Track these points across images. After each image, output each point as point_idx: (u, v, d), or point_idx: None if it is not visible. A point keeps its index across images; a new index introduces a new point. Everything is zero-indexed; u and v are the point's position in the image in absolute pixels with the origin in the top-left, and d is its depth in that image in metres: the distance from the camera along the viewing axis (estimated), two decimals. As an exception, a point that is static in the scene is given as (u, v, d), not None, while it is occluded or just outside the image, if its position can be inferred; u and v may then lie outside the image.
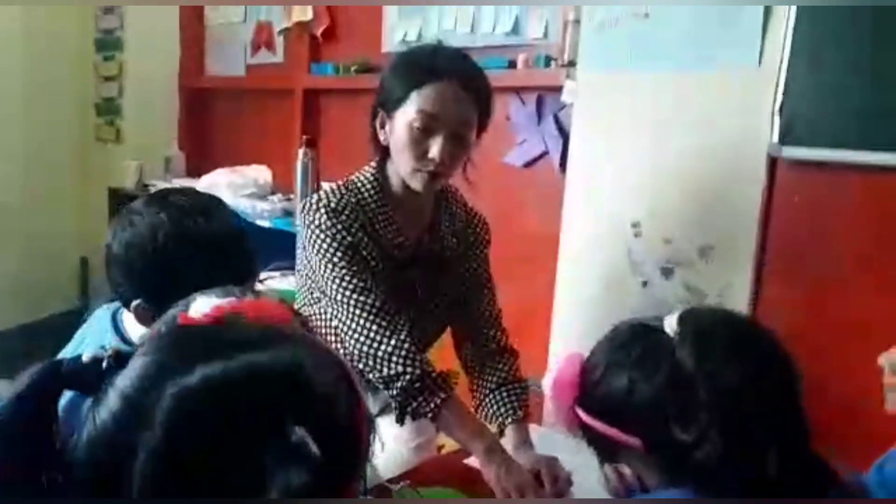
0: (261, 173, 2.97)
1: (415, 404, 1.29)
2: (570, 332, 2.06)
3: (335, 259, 1.35)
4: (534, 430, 1.46)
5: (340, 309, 1.34)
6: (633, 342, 0.84)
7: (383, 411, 1.48)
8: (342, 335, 1.34)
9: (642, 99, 1.87)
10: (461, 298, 1.53)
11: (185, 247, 1.02)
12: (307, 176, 2.65)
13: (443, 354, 1.63)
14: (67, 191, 3.59)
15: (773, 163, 1.69)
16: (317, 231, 1.36)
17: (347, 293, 1.34)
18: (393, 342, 1.30)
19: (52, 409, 0.54)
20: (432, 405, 1.28)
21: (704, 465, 0.75)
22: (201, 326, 0.56)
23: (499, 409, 1.43)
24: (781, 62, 1.62)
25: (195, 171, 3.35)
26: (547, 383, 0.91)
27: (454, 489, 1.25)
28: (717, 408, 0.75)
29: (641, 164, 1.88)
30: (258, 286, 2.68)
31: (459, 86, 1.31)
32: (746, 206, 1.72)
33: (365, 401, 0.60)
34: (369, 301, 1.33)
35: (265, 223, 2.71)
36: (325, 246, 1.35)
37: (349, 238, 1.35)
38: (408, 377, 1.28)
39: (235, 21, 3.34)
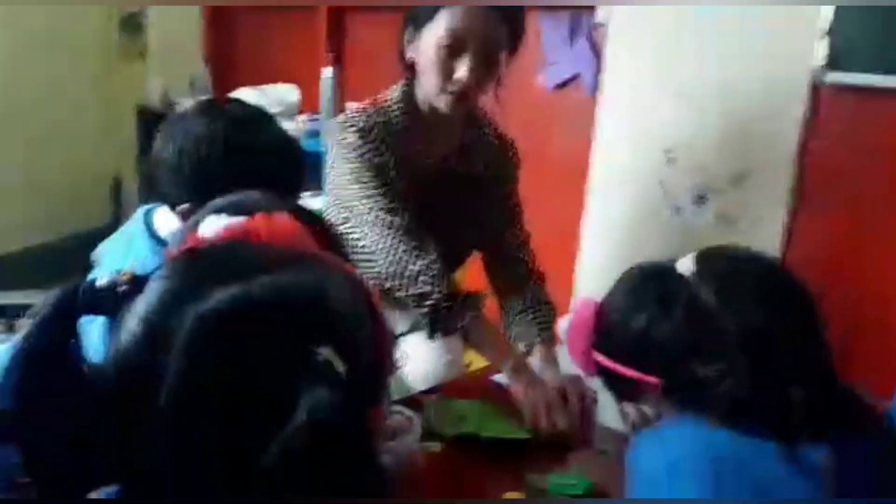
0: (287, 92, 2.93)
1: (444, 322, 1.31)
2: (597, 259, 2.06)
3: (364, 178, 1.35)
4: (561, 350, 1.48)
5: (370, 228, 1.34)
6: (648, 282, 0.85)
7: (413, 329, 1.50)
8: (372, 254, 1.35)
9: (682, 20, 1.81)
10: (490, 221, 1.53)
11: (238, 155, 1.03)
12: (333, 95, 2.62)
13: (471, 274, 1.65)
14: (94, 108, 3.57)
15: (815, 89, 1.64)
16: (345, 150, 1.36)
17: (377, 213, 1.34)
18: (422, 262, 1.31)
19: (72, 333, 0.54)
20: (461, 323, 1.30)
21: (726, 399, 0.76)
22: (216, 247, 0.55)
23: (527, 329, 1.45)
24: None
25: (220, 89, 3.32)
26: (562, 328, 0.93)
27: (484, 402, 1.28)
28: (739, 342, 0.75)
29: (678, 88, 1.84)
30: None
31: (490, 5, 1.28)
32: (785, 134, 1.68)
33: (385, 318, 0.58)
34: (398, 221, 1.33)
35: (291, 143, 2.70)
36: (353, 165, 1.35)
37: (377, 158, 1.35)
38: (437, 296, 1.29)
39: (260, -67, 3.24)
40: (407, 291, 1.32)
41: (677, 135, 1.86)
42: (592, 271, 2.07)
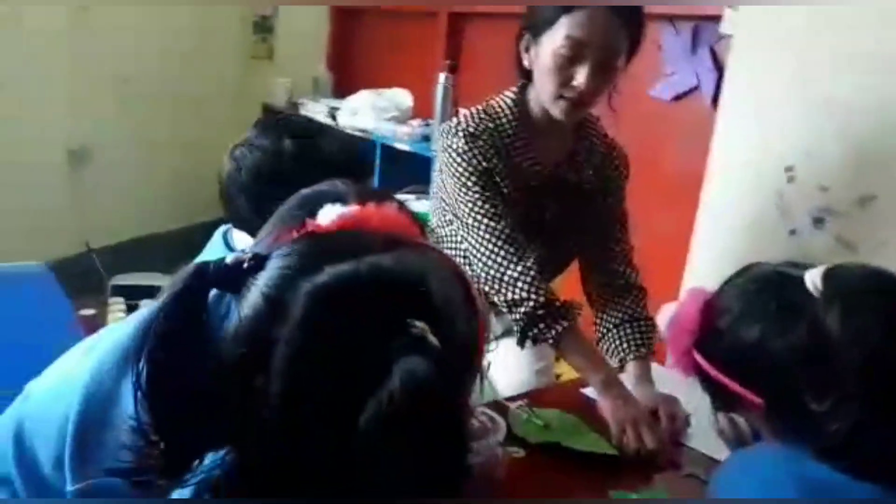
0: (403, 97, 3.01)
1: (536, 330, 1.30)
2: (704, 277, 1.98)
3: (469, 183, 1.36)
4: (656, 368, 1.44)
5: (470, 232, 1.36)
6: (769, 291, 0.77)
7: (506, 334, 1.51)
8: (471, 257, 1.37)
9: (810, 33, 1.72)
10: (594, 231, 1.51)
11: (309, 166, 1.05)
12: (446, 101, 2.66)
13: (566, 285, 1.63)
14: (225, 105, 3.80)
15: (958, 108, 1.52)
16: (453, 154, 1.37)
17: (479, 217, 1.35)
18: (519, 268, 1.31)
19: (202, 306, 0.58)
20: (554, 332, 1.29)
21: (832, 436, 0.70)
22: (331, 231, 0.60)
23: (621, 343, 1.42)
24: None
25: (340, 91, 3.45)
26: (664, 318, 0.88)
27: (571, 413, 1.27)
28: (860, 380, 0.69)
29: (802, 104, 1.75)
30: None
31: (611, 11, 1.26)
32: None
33: (484, 313, 0.61)
34: (499, 227, 1.34)
35: (404, 146, 2.77)
36: (460, 169, 1.37)
37: (484, 163, 1.36)
38: (531, 303, 1.29)
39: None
40: (504, 296, 1.32)
41: (800, 152, 1.76)
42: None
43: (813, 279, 0.74)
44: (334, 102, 3.28)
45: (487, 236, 1.34)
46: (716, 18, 1.96)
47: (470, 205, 1.36)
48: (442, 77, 2.69)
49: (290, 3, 3.71)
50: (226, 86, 3.85)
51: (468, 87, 2.70)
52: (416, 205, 2.71)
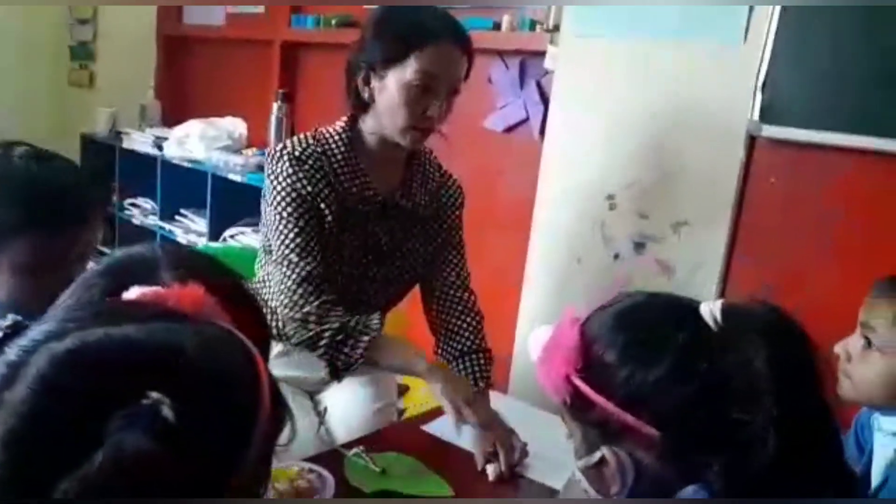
0: (235, 126, 2.90)
1: (343, 356, 1.31)
2: (539, 301, 2.05)
3: (285, 213, 1.34)
4: (497, 397, 1.45)
5: (277, 268, 1.36)
6: (666, 324, 0.75)
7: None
8: (275, 296, 1.36)
9: (624, 69, 1.83)
10: (430, 256, 1.52)
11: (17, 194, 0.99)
12: (281, 130, 2.60)
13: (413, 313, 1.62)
14: (41, 134, 3.49)
15: (752, 141, 1.67)
16: (278, 178, 1.35)
17: (285, 252, 1.34)
18: (312, 306, 1.32)
19: None
20: (359, 350, 1.31)
21: (754, 468, 0.68)
22: (110, 302, 0.58)
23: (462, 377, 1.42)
24: (767, 40, 1.59)
25: (170, 120, 3.27)
26: (537, 341, 0.81)
27: (410, 456, 1.24)
28: (780, 412, 0.68)
29: (620, 135, 1.86)
30: (232, 241, 2.64)
31: (454, 43, 1.32)
32: (723, 184, 1.70)
33: (269, 384, 0.56)
34: (301, 264, 1.33)
35: (238, 177, 2.66)
36: (281, 195, 1.34)
37: (308, 188, 1.34)
38: (327, 333, 1.30)
39: (216, -33, 3.23)
40: (300, 336, 1.33)
41: (619, 182, 1.87)
42: (534, 314, 2.06)
43: (712, 312, 0.73)
44: (162, 132, 3.10)
45: (289, 273, 1.34)
46: (541, 54, 2.04)
47: (281, 237, 1.35)
48: (275, 106, 2.61)
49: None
50: (41, 115, 3.54)
51: (304, 116, 2.65)
52: (250, 238, 2.61)
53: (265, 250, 1.45)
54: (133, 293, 0.59)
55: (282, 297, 1.34)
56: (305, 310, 1.32)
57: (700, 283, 1.73)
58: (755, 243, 1.71)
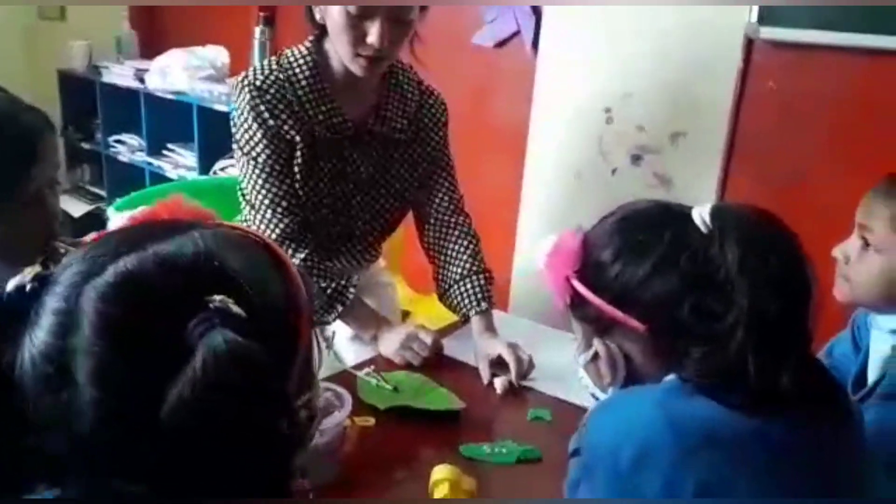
0: (218, 54, 2.81)
1: (315, 317, 1.32)
2: (536, 220, 2.05)
3: (254, 152, 1.31)
4: (499, 315, 1.46)
5: (252, 217, 1.35)
6: (658, 226, 0.79)
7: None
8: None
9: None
10: (416, 182, 1.48)
11: None
12: (265, 55, 2.52)
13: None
14: (13, 73, 3.38)
15: (749, 44, 1.64)
16: (241, 113, 1.31)
17: (259, 205, 1.33)
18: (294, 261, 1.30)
19: None
20: (331, 317, 1.35)
21: (715, 362, 0.72)
22: (115, 231, 0.58)
23: (462, 300, 1.42)
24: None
25: (149, 52, 3.17)
26: (543, 249, 0.85)
27: (418, 373, 1.27)
28: (750, 309, 0.72)
29: (615, 46, 1.81)
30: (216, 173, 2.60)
31: None
32: (721, 93, 1.68)
33: (300, 277, 0.61)
34: (275, 221, 1.33)
35: (224, 107, 2.60)
36: (244, 132, 1.31)
37: (271, 120, 1.29)
38: None
39: None
40: None
41: (616, 93, 1.84)
42: (532, 232, 2.06)
43: (701, 215, 0.77)
44: (141, 64, 3.01)
45: (265, 230, 1.33)
46: (530, -37, 1.97)
47: (253, 186, 1.34)
48: (257, 31, 2.53)
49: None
50: (13, 53, 3.42)
51: (286, 40, 2.56)
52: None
53: (241, 192, 1.39)
54: (121, 219, 0.61)
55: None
56: None
57: (699, 193, 1.72)
58: (754, 150, 1.70)
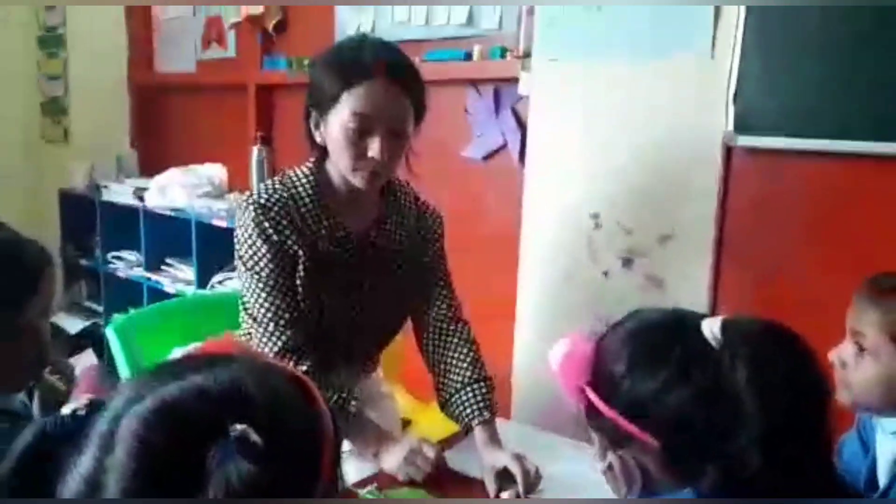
0: (216, 171, 2.91)
1: None
2: (533, 325, 2.07)
3: (257, 267, 1.35)
4: (502, 424, 1.46)
5: (254, 330, 1.37)
6: (670, 340, 0.79)
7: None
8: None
9: (598, 90, 1.88)
10: (417, 293, 1.51)
11: None
12: (262, 173, 2.61)
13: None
14: (17, 193, 3.47)
15: (728, 151, 1.71)
16: (245, 229, 1.35)
17: (261, 318, 1.35)
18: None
19: (47, 459, 0.59)
20: None
21: (735, 475, 0.72)
22: (163, 363, 0.65)
23: (464, 409, 1.42)
24: (734, 51, 1.64)
25: (148, 170, 3.27)
26: (556, 354, 0.85)
27: (421, 489, 1.25)
28: (763, 428, 0.72)
29: (599, 155, 1.89)
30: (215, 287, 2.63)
31: (389, 80, 1.28)
32: (703, 195, 1.74)
33: (321, 407, 0.63)
34: (276, 334, 1.35)
35: (222, 223, 2.66)
36: (248, 247, 1.35)
37: (275, 236, 1.34)
38: None
39: (184, 16, 3.26)
40: None
41: (602, 200, 1.90)
42: (530, 338, 2.07)
43: (712, 329, 0.77)
44: (141, 182, 3.09)
45: (266, 342, 1.35)
46: (514, 80, 2.08)
47: (256, 299, 1.36)
48: (255, 150, 2.63)
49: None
50: (17, 174, 3.52)
51: (283, 158, 2.66)
52: (239, 283, 2.60)
53: (243, 305, 1.42)
54: (177, 353, 0.69)
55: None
56: None
57: (690, 294, 1.76)
58: (741, 250, 1.74)
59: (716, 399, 0.74)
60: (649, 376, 0.78)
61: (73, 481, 0.56)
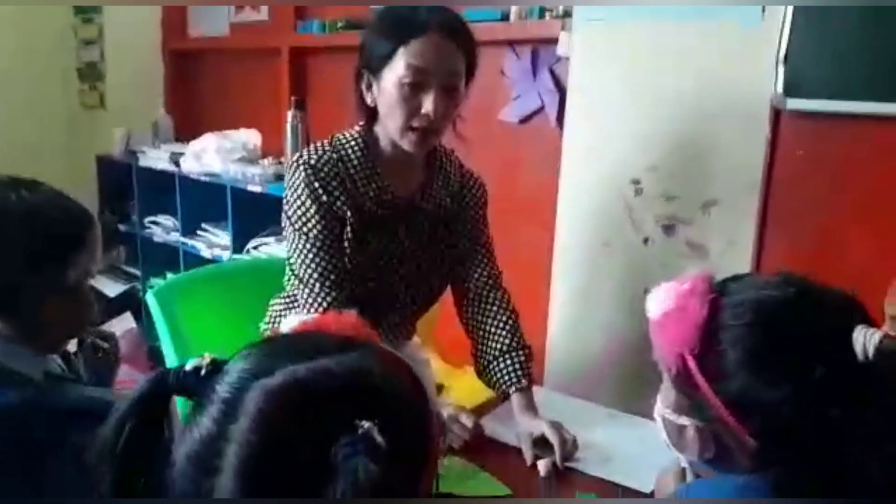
0: (250, 137, 2.90)
1: None
2: (569, 292, 2.04)
3: (305, 228, 1.36)
4: (538, 391, 1.45)
5: (300, 290, 1.39)
6: (808, 346, 0.68)
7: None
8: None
9: (641, 51, 1.82)
10: (458, 258, 1.52)
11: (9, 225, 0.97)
12: (297, 138, 2.60)
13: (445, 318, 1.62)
14: (55, 159, 3.51)
15: (776, 115, 1.65)
16: (294, 189, 1.37)
17: (307, 278, 1.37)
18: None
19: (163, 412, 0.62)
20: None
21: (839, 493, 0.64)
22: (288, 336, 0.66)
23: (502, 376, 1.42)
24: (785, 12, 1.57)
25: (184, 136, 3.28)
26: (657, 302, 0.75)
27: (457, 455, 1.25)
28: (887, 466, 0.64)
29: (641, 119, 1.84)
30: (256, 252, 2.65)
31: (445, 36, 1.29)
32: (750, 160, 1.69)
33: (431, 400, 0.63)
34: (322, 294, 1.36)
35: (257, 188, 2.67)
36: (297, 207, 1.36)
37: (324, 196, 1.35)
38: None
39: (217, -22, 3.24)
40: None
41: (643, 165, 1.85)
42: (565, 305, 2.05)
43: (865, 346, 0.66)
44: (177, 147, 3.11)
45: (311, 302, 1.37)
46: (553, 41, 2.03)
47: (303, 259, 1.38)
48: (290, 114, 2.61)
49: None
50: (55, 140, 3.56)
51: (318, 122, 2.64)
52: (274, 248, 2.62)
53: (290, 266, 1.44)
54: (294, 321, 0.68)
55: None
56: None
57: (734, 261, 1.71)
58: (786, 217, 1.69)
59: (848, 434, 0.65)
60: (774, 385, 0.68)
61: (190, 440, 0.57)
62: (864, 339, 0.66)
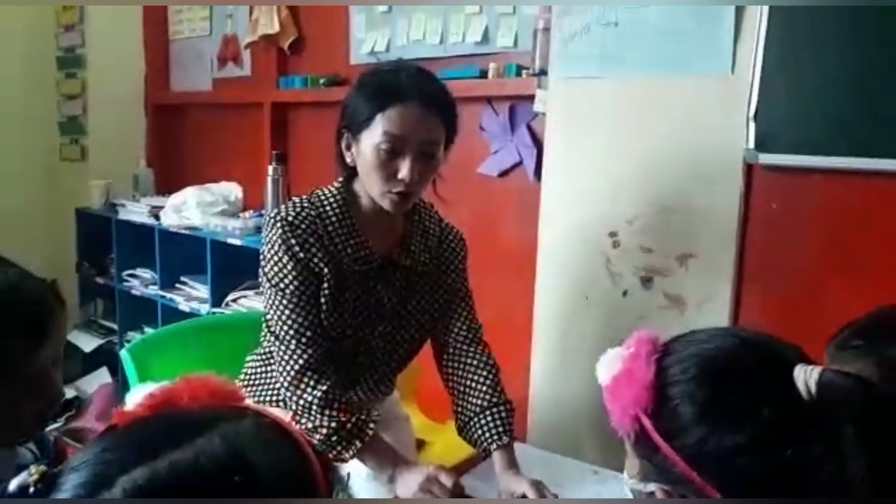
0: (231, 190, 2.91)
1: (335, 452, 1.33)
2: (551, 345, 2.04)
3: (283, 284, 1.35)
4: (519, 448, 1.43)
5: (276, 347, 1.38)
6: (753, 389, 0.69)
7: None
8: (277, 375, 1.39)
9: (615, 107, 1.86)
10: (438, 313, 1.51)
11: None
12: (278, 191, 2.61)
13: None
14: (34, 212, 3.50)
15: (749, 169, 1.69)
16: (272, 245, 1.36)
17: (284, 335, 1.36)
18: (313, 396, 1.33)
19: None
20: (350, 452, 1.33)
21: None
22: (130, 427, 0.56)
23: (483, 434, 1.40)
24: (754, 68, 1.62)
25: (165, 189, 3.28)
26: (606, 366, 0.76)
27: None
28: (865, 488, 0.63)
29: (617, 173, 1.87)
30: (235, 305, 2.63)
31: (424, 105, 1.31)
32: (724, 214, 1.71)
33: (310, 453, 0.59)
34: (299, 352, 1.35)
35: (237, 241, 2.66)
36: (274, 263, 1.35)
37: (301, 253, 1.34)
38: (324, 430, 1.32)
39: (201, 35, 3.29)
40: (298, 422, 1.33)
41: (621, 218, 1.87)
42: (547, 359, 2.05)
43: (807, 382, 0.67)
44: (157, 201, 3.10)
45: (288, 359, 1.36)
46: (529, 98, 2.07)
47: (280, 316, 1.36)
48: (270, 168, 2.63)
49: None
50: (35, 193, 3.54)
51: (299, 176, 2.66)
52: (253, 301, 2.60)
53: (266, 323, 1.43)
54: (138, 395, 0.61)
55: (283, 381, 1.36)
56: (306, 398, 1.34)
57: (712, 315, 1.72)
58: (763, 270, 1.71)
59: (803, 470, 0.65)
60: (728, 433, 0.67)
61: None
62: (805, 377, 0.67)
